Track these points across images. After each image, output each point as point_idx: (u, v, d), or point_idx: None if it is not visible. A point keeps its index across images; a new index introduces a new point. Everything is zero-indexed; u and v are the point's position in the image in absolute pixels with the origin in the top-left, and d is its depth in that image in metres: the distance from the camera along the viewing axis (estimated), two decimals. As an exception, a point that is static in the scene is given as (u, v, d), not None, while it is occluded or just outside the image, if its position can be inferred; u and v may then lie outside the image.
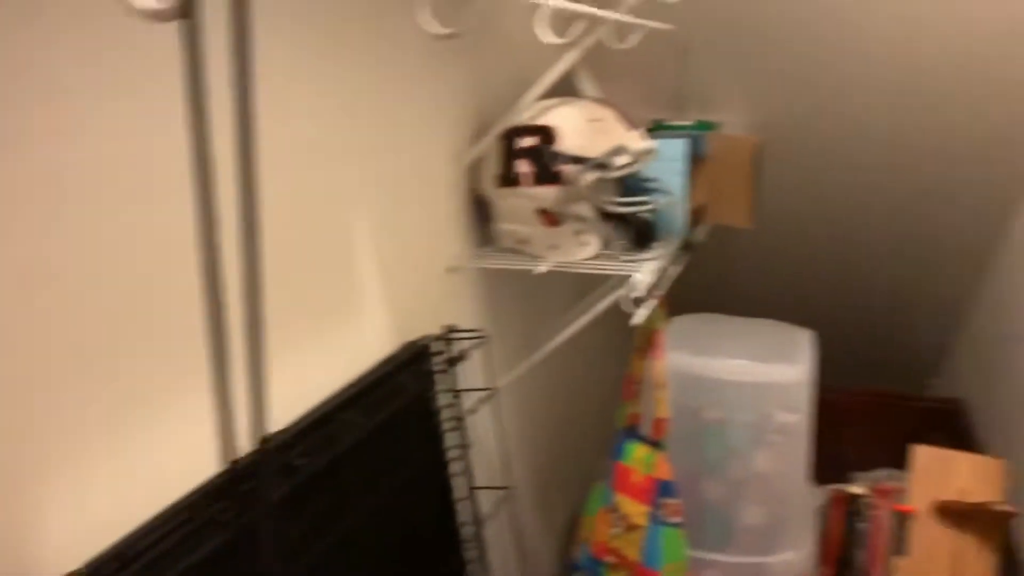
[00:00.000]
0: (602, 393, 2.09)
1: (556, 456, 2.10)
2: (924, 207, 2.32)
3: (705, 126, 2.02)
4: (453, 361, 1.30)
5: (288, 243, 1.00)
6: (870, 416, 2.79)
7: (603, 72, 1.97)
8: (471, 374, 1.41)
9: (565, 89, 1.65)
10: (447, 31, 0.77)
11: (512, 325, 1.72)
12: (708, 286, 2.90)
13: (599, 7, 1.30)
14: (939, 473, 2.03)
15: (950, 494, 2.00)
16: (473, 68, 1.49)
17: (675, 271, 1.65)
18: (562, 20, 1.13)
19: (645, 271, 1.40)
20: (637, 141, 1.44)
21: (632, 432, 1.57)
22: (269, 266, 0.95)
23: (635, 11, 1.31)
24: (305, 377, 1.05)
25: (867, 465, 2.70)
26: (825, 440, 2.77)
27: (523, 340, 1.73)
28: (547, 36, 0.99)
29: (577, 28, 1.16)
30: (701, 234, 1.79)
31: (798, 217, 2.44)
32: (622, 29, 1.37)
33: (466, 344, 1.34)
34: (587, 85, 1.65)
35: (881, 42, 1.87)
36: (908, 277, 2.63)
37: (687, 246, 1.74)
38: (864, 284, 2.71)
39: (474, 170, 1.51)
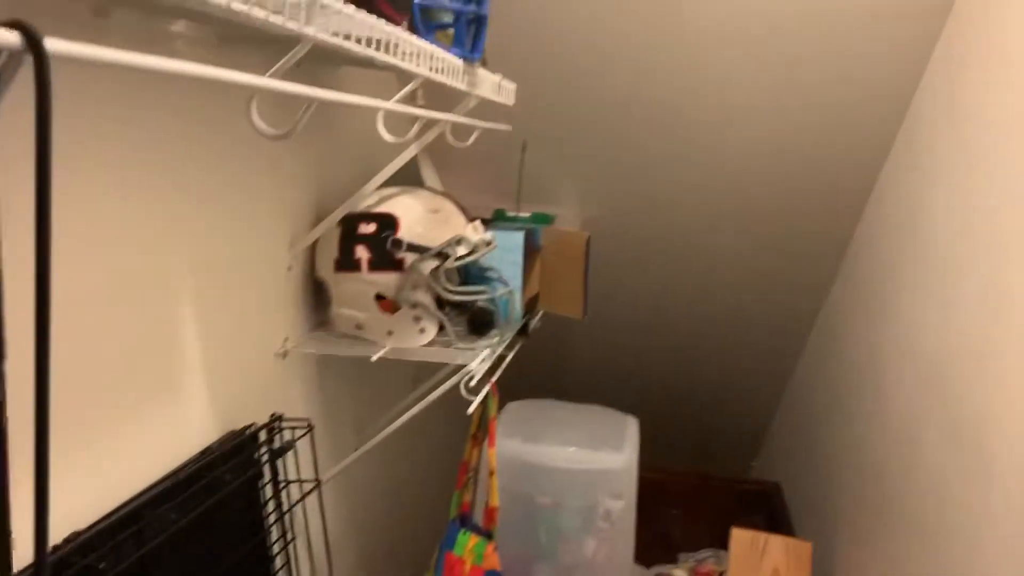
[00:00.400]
0: (437, 481, 2.07)
1: (390, 546, 2.05)
2: (742, 299, 2.52)
3: (542, 218, 2.11)
4: (277, 452, 1.26)
5: (99, 329, 0.95)
6: (695, 497, 2.92)
7: (448, 162, 2.04)
8: (301, 463, 1.37)
9: (408, 178, 1.69)
10: (277, 132, 0.78)
11: (347, 411, 1.69)
12: (540, 372, 2.98)
13: (441, 106, 1.35)
14: (754, 555, 2.14)
15: (765, 575, 2.11)
16: (315, 156, 1.50)
17: (509, 358, 1.69)
18: (403, 118, 1.16)
19: (481, 359, 1.43)
20: (475, 233, 1.49)
21: (464, 521, 1.57)
22: (76, 355, 0.90)
23: (473, 112, 1.37)
24: (114, 471, 0.99)
25: (693, 545, 2.81)
26: (652, 520, 2.86)
27: (357, 426, 1.70)
28: (386, 135, 1.02)
29: (418, 125, 1.20)
30: (535, 322, 1.84)
31: (625, 307, 2.58)
32: (461, 128, 1.43)
33: (292, 433, 1.30)
34: (429, 175, 1.70)
35: (698, 146, 2.05)
36: (729, 364, 2.82)
37: (521, 333, 1.79)
38: (689, 370, 2.87)
39: (313, 254, 1.50)
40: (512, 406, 2.00)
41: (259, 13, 0.56)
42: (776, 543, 2.16)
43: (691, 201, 2.19)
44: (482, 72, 1.29)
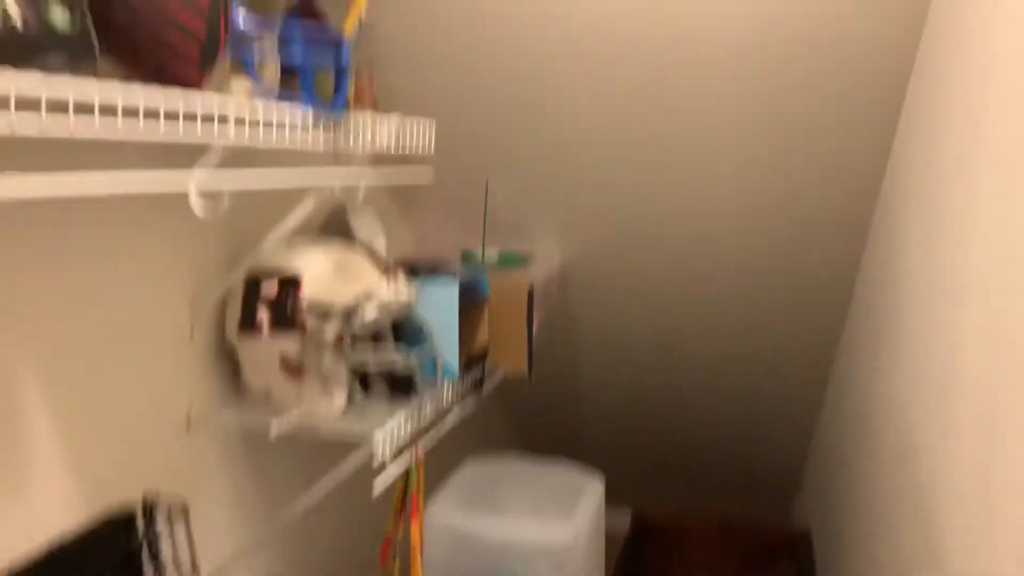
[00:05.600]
0: (362, 557, 1.88)
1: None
2: (760, 331, 2.30)
3: (512, 258, 1.97)
4: (154, 535, 1.17)
5: None
6: (715, 540, 2.72)
7: (415, 201, 1.94)
8: (198, 546, 1.27)
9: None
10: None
11: (261, 485, 1.56)
12: (542, 421, 2.81)
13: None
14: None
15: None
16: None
17: (454, 418, 1.57)
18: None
19: (387, 430, 1.30)
20: (392, 288, 1.37)
21: (390, 600, 1.44)
22: None
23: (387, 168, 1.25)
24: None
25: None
26: (671, 562, 2.68)
27: (271, 502, 1.59)
28: (198, 210, 0.91)
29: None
30: (489, 376, 1.70)
31: (630, 347, 2.39)
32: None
33: (171, 512, 1.20)
34: (363, 225, 1.58)
35: (679, 176, 1.87)
36: (749, 401, 2.60)
37: (476, 387, 1.66)
38: (710, 410, 2.67)
39: (222, 314, 1.41)
40: (468, 466, 1.85)
41: None
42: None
43: (680, 234, 2.01)
44: (361, 118, 1.17)
